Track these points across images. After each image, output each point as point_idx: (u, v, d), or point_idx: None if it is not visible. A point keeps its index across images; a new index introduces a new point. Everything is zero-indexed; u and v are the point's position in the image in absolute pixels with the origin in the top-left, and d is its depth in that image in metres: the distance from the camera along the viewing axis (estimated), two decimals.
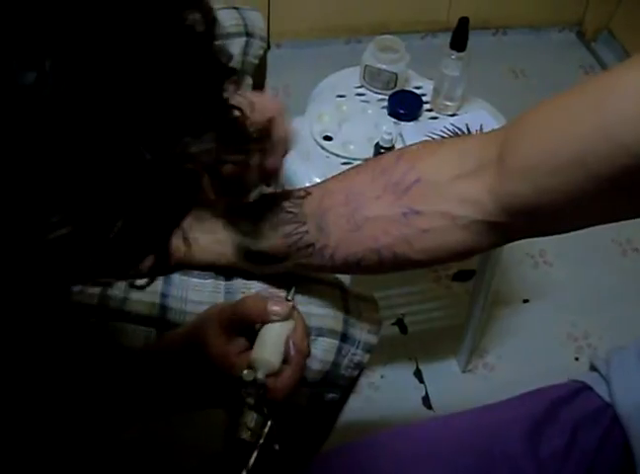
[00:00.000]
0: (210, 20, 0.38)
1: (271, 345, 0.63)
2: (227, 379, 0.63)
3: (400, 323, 1.74)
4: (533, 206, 0.56)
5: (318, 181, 1.19)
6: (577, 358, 1.70)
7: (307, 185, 1.09)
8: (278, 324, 0.64)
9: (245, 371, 0.62)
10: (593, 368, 0.88)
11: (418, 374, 1.66)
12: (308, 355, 0.67)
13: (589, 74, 2.42)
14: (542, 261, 1.89)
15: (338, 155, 1.30)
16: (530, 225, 0.60)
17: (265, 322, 0.64)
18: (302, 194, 0.71)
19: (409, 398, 1.61)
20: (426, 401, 1.61)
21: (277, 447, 0.62)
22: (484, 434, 0.81)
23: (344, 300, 0.80)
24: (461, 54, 1.32)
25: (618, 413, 0.81)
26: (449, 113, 1.40)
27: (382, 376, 1.64)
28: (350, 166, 1.27)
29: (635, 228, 1.95)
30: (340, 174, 0.72)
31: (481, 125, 1.36)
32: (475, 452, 0.80)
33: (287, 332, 0.64)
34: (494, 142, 0.60)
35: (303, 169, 1.25)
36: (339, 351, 0.77)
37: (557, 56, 2.48)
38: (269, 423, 0.62)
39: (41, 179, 0.33)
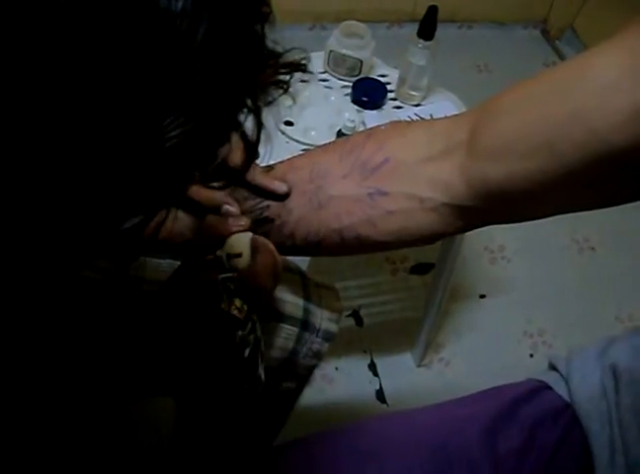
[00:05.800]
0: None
1: (237, 242, 0.65)
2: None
3: (356, 315, 1.72)
4: (503, 190, 0.54)
5: None
6: (532, 355, 1.70)
7: None
8: (241, 233, 0.65)
9: (218, 252, 0.63)
10: (552, 368, 0.87)
11: (372, 367, 1.64)
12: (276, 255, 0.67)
13: None
14: (500, 256, 1.89)
15: (298, 141, 1.27)
16: (499, 210, 0.58)
17: (229, 233, 0.65)
18: (265, 169, 0.68)
19: (363, 391, 1.60)
20: (380, 394, 1.60)
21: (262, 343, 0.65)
22: (441, 431, 0.80)
23: (304, 286, 0.77)
24: (428, 43, 1.30)
25: (578, 413, 0.79)
26: (414, 102, 1.37)
27: (337, 368, 1.62)
28: None
29: (592, 227, 1.96)
30: (307, 151, 0.70)
31: (445, 116, 1.34)
32: (432, 449, 0.78)
33: (251, 235, 0.65)
34: (465, 124, 0.58)
35: (262, 154, 1.22)
36: (298, 338, 0.74)
37: (521, 53, 2.48)
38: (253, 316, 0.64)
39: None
